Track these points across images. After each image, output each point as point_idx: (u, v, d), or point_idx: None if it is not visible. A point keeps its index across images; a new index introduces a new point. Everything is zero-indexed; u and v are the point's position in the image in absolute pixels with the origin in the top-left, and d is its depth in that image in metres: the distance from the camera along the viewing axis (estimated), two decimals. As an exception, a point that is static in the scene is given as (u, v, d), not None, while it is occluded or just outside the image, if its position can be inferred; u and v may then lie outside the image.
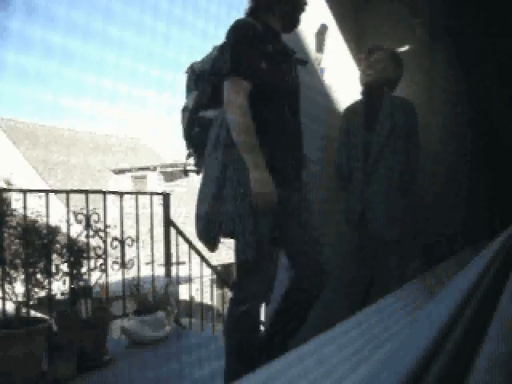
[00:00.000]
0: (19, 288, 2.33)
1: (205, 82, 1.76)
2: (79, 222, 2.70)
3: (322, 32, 2.63)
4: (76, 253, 2.55)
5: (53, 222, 2.58)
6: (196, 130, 1.78)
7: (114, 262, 2.90)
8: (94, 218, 2.73)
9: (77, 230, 2.73)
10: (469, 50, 2.60)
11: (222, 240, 1.63)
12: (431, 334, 0.40)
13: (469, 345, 0.44)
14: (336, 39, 2.77)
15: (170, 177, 12.60)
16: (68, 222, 2.69)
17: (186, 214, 10.15)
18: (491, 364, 0.39)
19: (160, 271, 3.40)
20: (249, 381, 0.44)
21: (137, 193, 3.75)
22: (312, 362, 0.43)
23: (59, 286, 2.51)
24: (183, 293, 3.82)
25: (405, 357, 0.34)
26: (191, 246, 3.59)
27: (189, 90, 1.86)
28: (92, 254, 2.70)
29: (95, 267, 2.68)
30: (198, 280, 3.65)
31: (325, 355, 0.46)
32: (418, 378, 0.32)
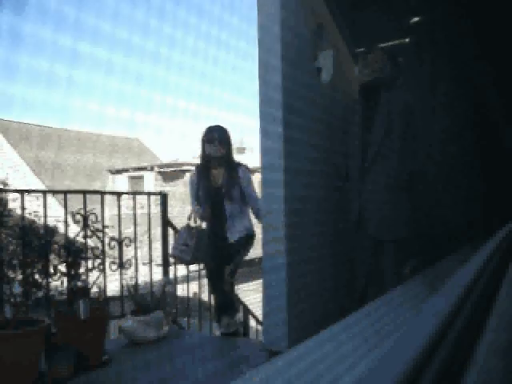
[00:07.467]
0: (17, 288, 2.32)
1: None
2: (77, 222, 2.69)
3: (319, 31, 2.64)
4: (74, 253, 2.54)
5: (50, 223, 2.57)
6: None
7: (112, 263, 2.90)
8: (91, 218, 2.73)
9: (74, 231, 2.73)
10: (468, 51, 2.61)
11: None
12: (435, 324, 0.41)
13: (470, 334, 0.45)
14: (333, 38, 2.78)
15: (167, 177, 12.57)
16: (66, 222, 2.69)
17: (183, 214, 10.11)
18: (491, 351, 0.40)
19: (158, 271, 3.39)
20: (276, 361, 0.45)
21: (134, 193, 3.75)
22: (329, 347, 0.44)
23: (57, 287, 2.50)
24: (181, 293, 3.82)
25: (411, 345, 0.34)
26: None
27: None
28: (90, 254, 2.69)
29: (93, 267, 2.67)
30: (196, 280, 3.65)
31: (340, 342, 0.47)
32: (424, 364, 0.32)
